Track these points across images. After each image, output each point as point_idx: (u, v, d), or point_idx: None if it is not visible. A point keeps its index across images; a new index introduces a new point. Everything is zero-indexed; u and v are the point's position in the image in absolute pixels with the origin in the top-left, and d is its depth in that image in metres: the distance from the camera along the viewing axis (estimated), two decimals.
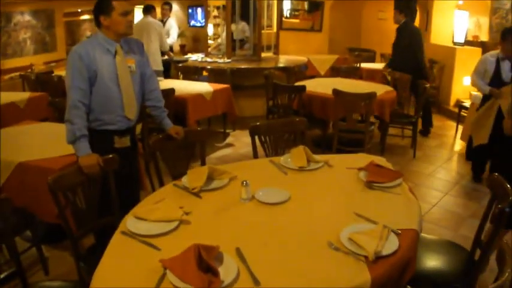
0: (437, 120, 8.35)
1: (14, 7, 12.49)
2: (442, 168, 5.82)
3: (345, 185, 2.62)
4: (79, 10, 17.19)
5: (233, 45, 8.11)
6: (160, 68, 7.21)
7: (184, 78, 7.29)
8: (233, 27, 8.20)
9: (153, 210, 2.22)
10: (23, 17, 13.24)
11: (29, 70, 11.09)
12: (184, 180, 2.62)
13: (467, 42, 9.85)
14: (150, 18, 7.23)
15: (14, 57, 12.68)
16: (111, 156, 2.75)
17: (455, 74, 8.97)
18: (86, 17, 18.19)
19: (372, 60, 10.34)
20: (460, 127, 7.14)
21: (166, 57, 7.75)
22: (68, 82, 2.79)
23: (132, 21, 2.91)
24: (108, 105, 2.89)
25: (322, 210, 2.33)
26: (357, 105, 5.00)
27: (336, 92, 4.98)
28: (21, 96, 5.85)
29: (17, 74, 10.08)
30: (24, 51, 13.28)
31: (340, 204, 2.39)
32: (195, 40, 15.25)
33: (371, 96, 4.92)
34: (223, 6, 8.31)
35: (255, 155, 3.36)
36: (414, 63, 6.70)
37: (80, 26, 18.68)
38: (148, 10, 7.39)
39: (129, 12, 2.87)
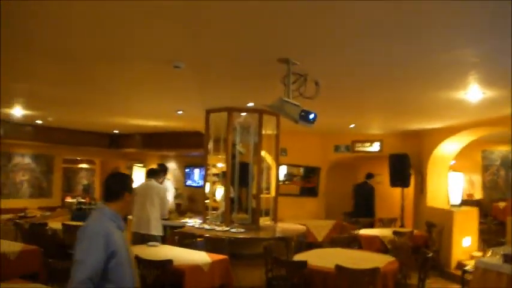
0: (440, 284, 8.29)
1: (15, 148, 13.03)
2: None
3: None
4: (78, 158, 17.83)
5: (231, 209, 8.31)
6: (161, 233, 7.32)
7: (179, 243, 7.35)
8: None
9: None
10: (23, 159, 13.71)
11: (22, 213, 11.06)
12: None
13: (462, 202, 10.13)
14: (153, 182, 7.44)
15: (9, 198, 12.87)
16: None
17: (454, 236, 9.09)
18: (83, 165, 18.80)
19: (371, 225, 10.54)
20: None
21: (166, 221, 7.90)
22: (80, 257, 2.79)
23: None
24: (121, 284, 2.92)
25: None
26: (361, 280, 5.06)
27: (338, 268, 5.07)
28: (13, 247, 5.88)
29: (10, 216, 10.00)
30: (20, 193, 13.50)
31: None
32: (191, 200, 15.57)
33: (375, 271, 5.00)
34: (223, 172, 8.68)
35: None
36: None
37: (77, 173, 19.20)
38: (152, 173, 7.64)
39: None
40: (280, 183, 11.16)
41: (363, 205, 10.81)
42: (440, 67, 5.05)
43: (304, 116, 4.82)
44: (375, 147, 11.43)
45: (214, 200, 10.77)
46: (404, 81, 5.82)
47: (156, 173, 7.70)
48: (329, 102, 7.15)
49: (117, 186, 3.10)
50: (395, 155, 10.48)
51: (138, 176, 14.95)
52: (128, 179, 3.18)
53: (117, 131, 14.14)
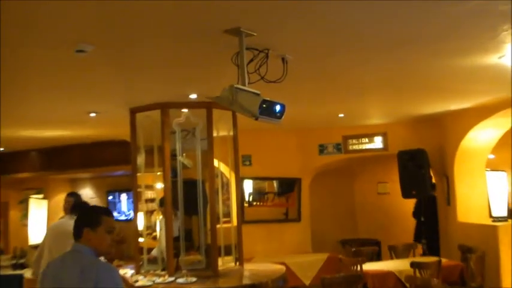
0: None
1: None
2: None
3: None
4: None
5: (176, 248, 8.19)
6: None
7: None
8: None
9: None
10: None
11: None
12: None
13: (510, 212, 10.09)
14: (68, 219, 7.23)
15: None
16: None
17: (502, 264, 9.03)
18: None
19: (377, 256, 10.55)
20: None
21: None
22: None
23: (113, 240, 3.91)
24: None
25: None
26: None
27: None
28: None
29: None
30: None
31: None
32: (119, 241, 15.35)
33: None
34: (161, 200, 8.56)
35: None
36: None
37: None
38: (75, 208, 7.45)
39: (113, 230, 3.87)
40: (246, 205, 11.11)
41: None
42: (459, 21, 5.01)
43: (267, 109, 4.76)
44: (377, 143, 11.50)
45: (154, 238, 10.66)
46: (410, 46, 5.77)
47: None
48: (304, 84, 7.12)
49: (79, 223, 3.88)
50: (406, 152, 10.54)
51: (38, 213, 14.65)
52: (87, 212, 4.07)
53: (1, 149, 13.85)
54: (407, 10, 4.65)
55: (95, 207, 4.19)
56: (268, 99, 4.84)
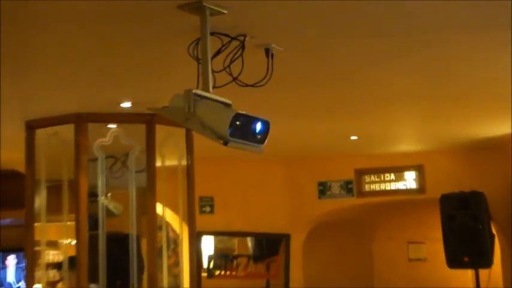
0: None
1: None
2: None
3: None
4: None
5: None
6: None
7: None
8: None
9: None
10: None
11: None
12: None
13: None
14: None
15: None
16: None
17: None
18: None
19: None
20: None
21: None
22: None
23: None
24: None
25: None
26: None
27: None
28: None
29: None
30: None
31: None
32: None
33: None
34: (71, 259, 8.57)
35: None
36: None
37: None
38: None
39: None
40: (204, 274, 11.17)
41: None
42: None
43: (242, 128, 4.79)
44: (409, 181, 11.60)
45: None
46: (463, 32, 5.80)
47: None
48: (299, 90, 7.20)
49: None
50: (454, 196, 10.60)
51: None
52: None
53: None
54: None
55: None
56: (244, 112, 4.88)
